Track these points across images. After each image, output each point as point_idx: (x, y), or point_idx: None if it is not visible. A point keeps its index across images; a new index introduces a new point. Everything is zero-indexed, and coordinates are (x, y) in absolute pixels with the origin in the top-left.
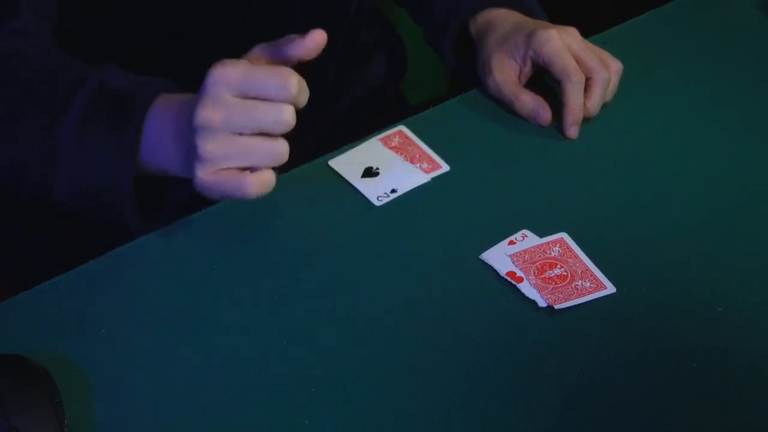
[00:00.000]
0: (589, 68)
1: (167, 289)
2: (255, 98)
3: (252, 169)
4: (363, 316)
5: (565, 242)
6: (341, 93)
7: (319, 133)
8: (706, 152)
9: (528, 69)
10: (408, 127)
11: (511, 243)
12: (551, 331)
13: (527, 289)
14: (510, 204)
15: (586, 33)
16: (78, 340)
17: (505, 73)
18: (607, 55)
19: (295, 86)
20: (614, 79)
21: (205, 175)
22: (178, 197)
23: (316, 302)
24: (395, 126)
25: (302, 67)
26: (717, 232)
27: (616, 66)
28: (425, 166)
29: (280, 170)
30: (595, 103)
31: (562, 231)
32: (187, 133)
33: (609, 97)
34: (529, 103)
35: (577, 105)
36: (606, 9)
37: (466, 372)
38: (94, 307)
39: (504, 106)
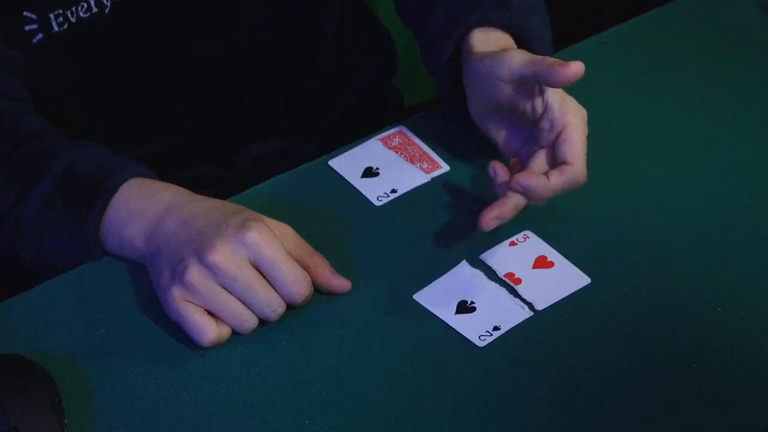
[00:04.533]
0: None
1: None
2: (264, 276)
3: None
4: (362, 316)
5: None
6: (332, 93)
7: (318, 133)
8: (706, 152)
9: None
10: (408, 127)
11: (512, 244)
12: (550, 332)
13: (525, 290)
14: None
15: (586, 33)
16: (78, 340)
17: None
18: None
19: (305, 297)
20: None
21: (177, 296)
22: None
23: (315, 302)
24: (395, 126)
25: (291, 70)
26: (717, 232)
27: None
28: (425, 166)
29: (279, 170)
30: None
31: (561, 231)
32: (173, 239)
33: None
34: (548, 62)
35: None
36: (606, 9)
37: (466, 372)
38: (94, 307)
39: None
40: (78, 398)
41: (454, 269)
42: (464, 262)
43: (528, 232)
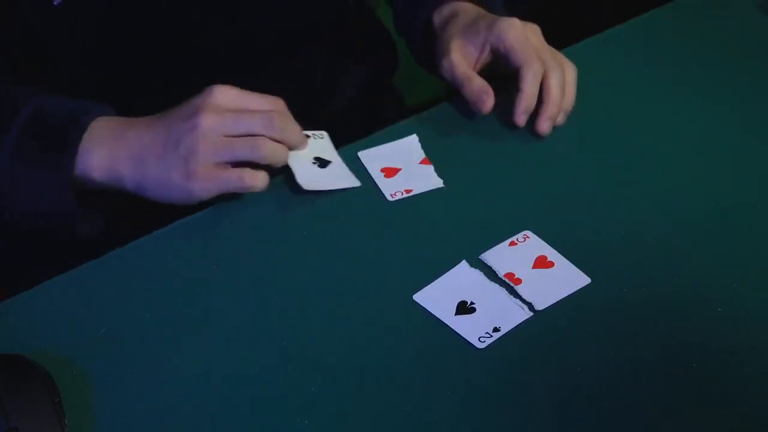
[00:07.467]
0: (545, 64)
1: (167, 290)
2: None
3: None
4: (364, 316)
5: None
6: (332, 92)
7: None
8: (706, 152)
9: (486, 56)
10: (406, 127)
11: (512, 244)
12: (550, 332)
13: (525, 290)
14: (511, 204)
15: (586, 33)
16: (78, 340)
17: (462, 56)
18: (563, 58)
19: (277, 119)
20: (570, 81)
21: (204, 170)
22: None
23: (316, 302)
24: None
25: (291, 69)
26: (717, 232)
27: (571, 69)
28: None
29: (277, 171)
30: (553, 96)
31: (561, 231)
32: (153, 144)
33: (567, 105)
34: (476, 87)
35: (532, 92)
36: (606, 9)
37: (466, 372)
38: (94, 307)
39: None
40: (78, 398)
41: (454, 269)
42: (464, 262)
43: (528, 232)
